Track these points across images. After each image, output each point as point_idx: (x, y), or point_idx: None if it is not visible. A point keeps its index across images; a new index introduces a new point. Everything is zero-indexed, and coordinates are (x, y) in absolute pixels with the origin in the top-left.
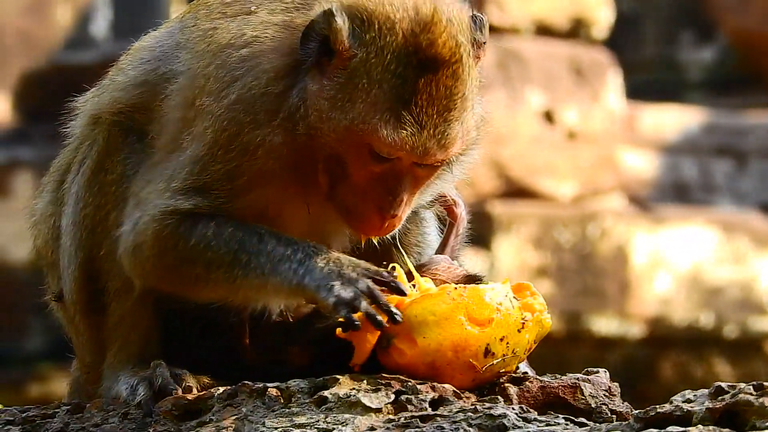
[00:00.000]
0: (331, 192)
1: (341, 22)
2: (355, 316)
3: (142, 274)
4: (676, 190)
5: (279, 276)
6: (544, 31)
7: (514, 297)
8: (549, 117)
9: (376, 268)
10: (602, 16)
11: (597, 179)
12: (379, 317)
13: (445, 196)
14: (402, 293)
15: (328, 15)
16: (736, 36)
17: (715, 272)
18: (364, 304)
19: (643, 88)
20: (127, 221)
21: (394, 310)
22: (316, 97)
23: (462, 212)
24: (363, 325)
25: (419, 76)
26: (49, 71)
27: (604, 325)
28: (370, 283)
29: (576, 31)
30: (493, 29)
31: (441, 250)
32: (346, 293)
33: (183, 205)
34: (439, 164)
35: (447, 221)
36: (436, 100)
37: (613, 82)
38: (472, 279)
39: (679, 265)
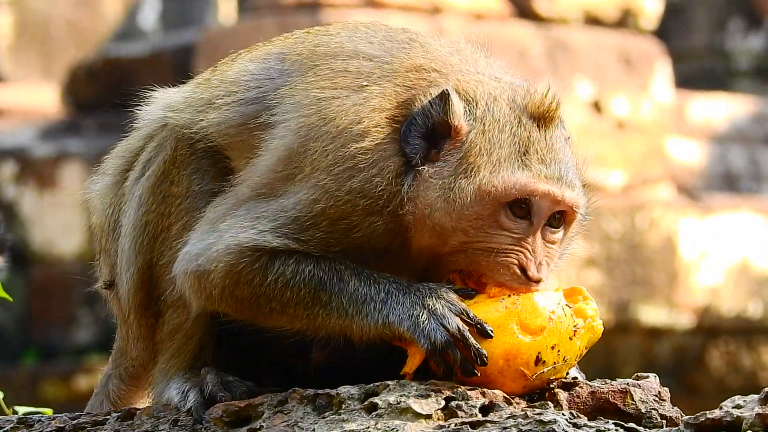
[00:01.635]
0: (435, 267)
1: (457, 102)
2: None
3: (206, 297)
4: (725, 180)
5: (364, 317)
6: (592, 21)
7: (567, 304)
8: (597, 107)
9: (461, 303)
10: (650, 6)
11: (645, 169)
12: (471, 366)
13: None
14: (487, 335)
15: (441, 98)
16: None
17: (764, 261)
18: (457, 353)
19: (692, 76)
20: (196, 242)
21: (483, 353)
22: (430, 185)
23: None
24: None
25: (532, 131)
26: (97, 63)
27: (652, 315)
28: (459, 323)
29: (624, 20)
30: (542, 19)
31: None
32: (438, 336)
33: (271, 243)
34: (567, 218)
35: None
36: (552, 149)
37: (662, 71)
38: None
39: (727, 254)
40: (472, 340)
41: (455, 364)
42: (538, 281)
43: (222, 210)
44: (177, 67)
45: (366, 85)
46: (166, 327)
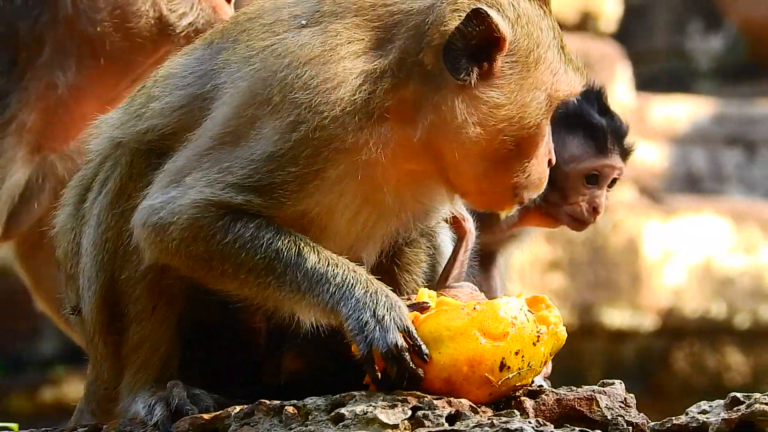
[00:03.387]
0: (482, 186)
1: (494, 12)
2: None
3: (161, 250)
4: (687, 181)
5: (316, 296)
6: None
7: (529, 310)
8: None
9: (407, 321)
10: (610, 9)
11: None
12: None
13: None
14: (424, 360)
15: (477, 16)
16: (745, 24)
17: (727, 262)
18: (394, 367)
19: (653, 78)
20: (158, 195)
21: (418, 374)
22: (493, 103)
23: (470, 227)
24: None
25: (550, 18)
26: None
27: (616, 317)
28: (400, 339)
29: (584, 24)
30: None
31: (450, 265)
32: (380, 346)
33: (234, 199)
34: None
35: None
36: (561, 33)
37: (622, 74)
38: None
39: (690, 255)
40: (408, 360)
41: (390, 377)
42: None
43: (182, 162)
44: None
45: (305, 23)
46: (131, 341)
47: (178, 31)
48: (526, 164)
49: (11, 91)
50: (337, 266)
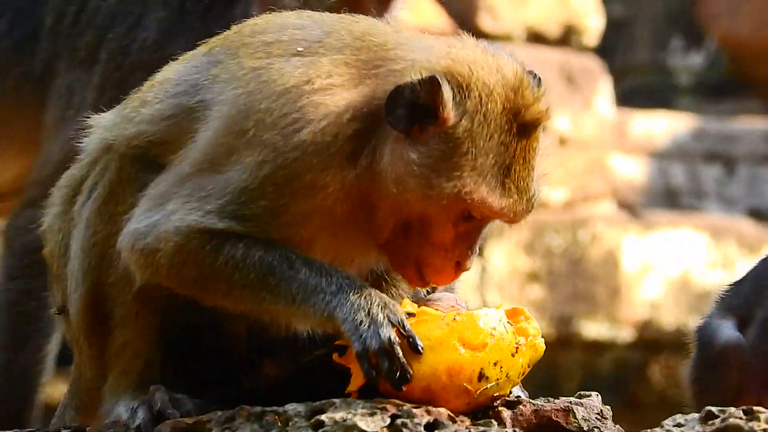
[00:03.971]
0: (392, 245)
1: (448, 90)
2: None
3: (153, 274)
4: (666, 196)
5: (311, 307)
6: (535, 38)
7: (508, 322)
8: None
9: (401, 315)
10: (592, 24)
11: (588, 185)
12: (397, 378)
13: None
14: (416, 351)
15: (431, 83)
16: (726, 42)
17: (704, 277)
18: (385, 362)
19: (634, 93)
20: (141, 219)
21: (407, 369)
22: (408, 163)
23: None
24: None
25: (518, 141)
26: None
27: (594, 329)
28: (393, 334)
29: (567, 38)
30: (487, 37)
31: None
32: (372, 343)
33: (216, 225)
34: None
35: None
36: (528, 163)
37: (604, 88)
38: None
39: (668, 270)
40: (400, 354)
41: (381, 373)
42: (467, 270)
43: (164, 187)
44: None
45: (301, 51)
46: (114, 345)
47: None
48: (426, 245)
49: None
50: (330, 275)
